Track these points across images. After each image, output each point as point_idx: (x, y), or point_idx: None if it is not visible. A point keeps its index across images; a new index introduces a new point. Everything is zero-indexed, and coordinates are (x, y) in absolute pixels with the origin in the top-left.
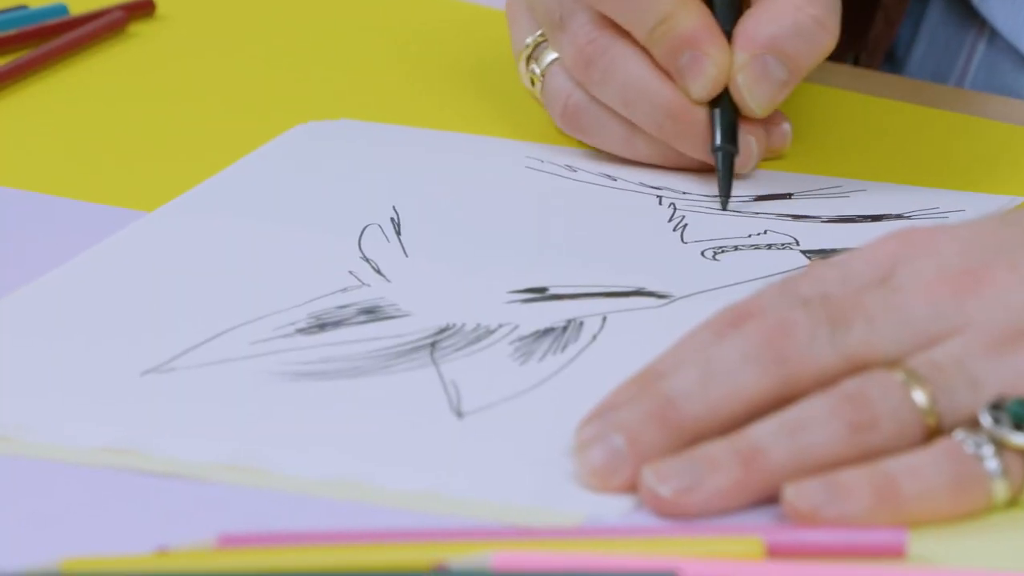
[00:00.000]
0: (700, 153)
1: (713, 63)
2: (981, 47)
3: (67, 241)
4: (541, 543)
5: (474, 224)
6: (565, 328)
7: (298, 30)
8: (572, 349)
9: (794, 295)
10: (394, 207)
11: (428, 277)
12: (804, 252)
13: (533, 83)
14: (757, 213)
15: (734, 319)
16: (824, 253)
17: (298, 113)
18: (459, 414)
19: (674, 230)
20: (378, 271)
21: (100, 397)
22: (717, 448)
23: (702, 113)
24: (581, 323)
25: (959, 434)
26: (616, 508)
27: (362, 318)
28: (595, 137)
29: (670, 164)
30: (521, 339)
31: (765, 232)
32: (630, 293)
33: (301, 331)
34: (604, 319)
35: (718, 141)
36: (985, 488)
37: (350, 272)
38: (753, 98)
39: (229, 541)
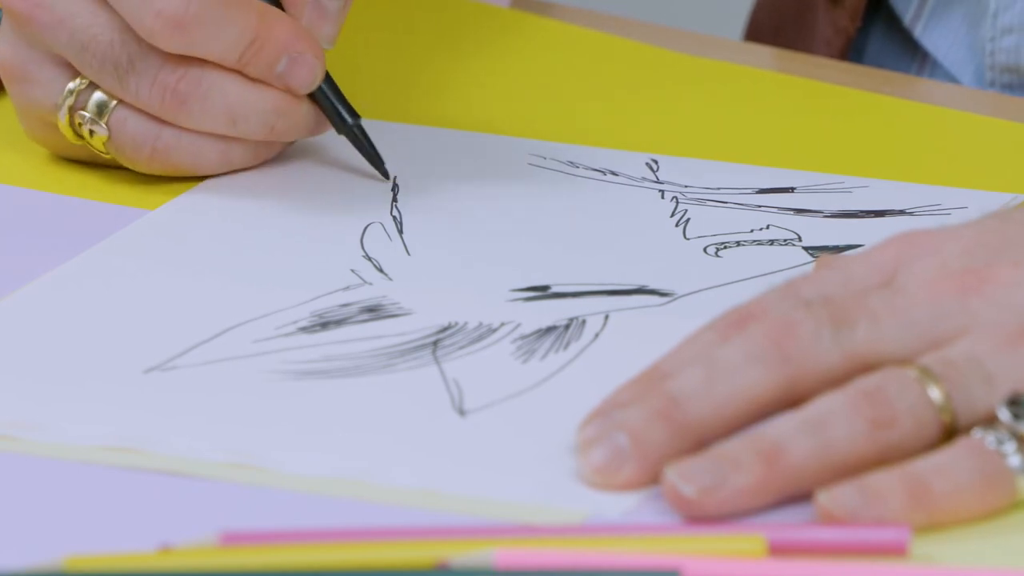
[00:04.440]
0: (308, 134)
1: (312, 55)
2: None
3: (70, 239)
4: (543, 541)
5: (476, 222)
6: (567, 326)
7: None
8: (574, 347)
9: (796, 297)
10: (396, 206)
11: (430, 275)
12: (807, 248)
13: (91, 134)
14: (760, 206)
15: (737, 320)
16: (827, 249)
17: None
18: (461, 412)
19: (676, 225)
20: (380, 269)
21: (102, 395)
22: (738, 447)
23: (305, 100)
24: (583, 321)
25: (978, 432)
26: (618, 506)
27: (364, 316)
28: (188, 168)
29: (260, 159)
30: (523, 337)
31: (768, 227)
32: (632, 291)
33: (303, 329)
34: (606, 317)
35: (346, 119)
36: (1010, 483)
37: (352, 271)
38: (322, 38)
39: (232, 539)
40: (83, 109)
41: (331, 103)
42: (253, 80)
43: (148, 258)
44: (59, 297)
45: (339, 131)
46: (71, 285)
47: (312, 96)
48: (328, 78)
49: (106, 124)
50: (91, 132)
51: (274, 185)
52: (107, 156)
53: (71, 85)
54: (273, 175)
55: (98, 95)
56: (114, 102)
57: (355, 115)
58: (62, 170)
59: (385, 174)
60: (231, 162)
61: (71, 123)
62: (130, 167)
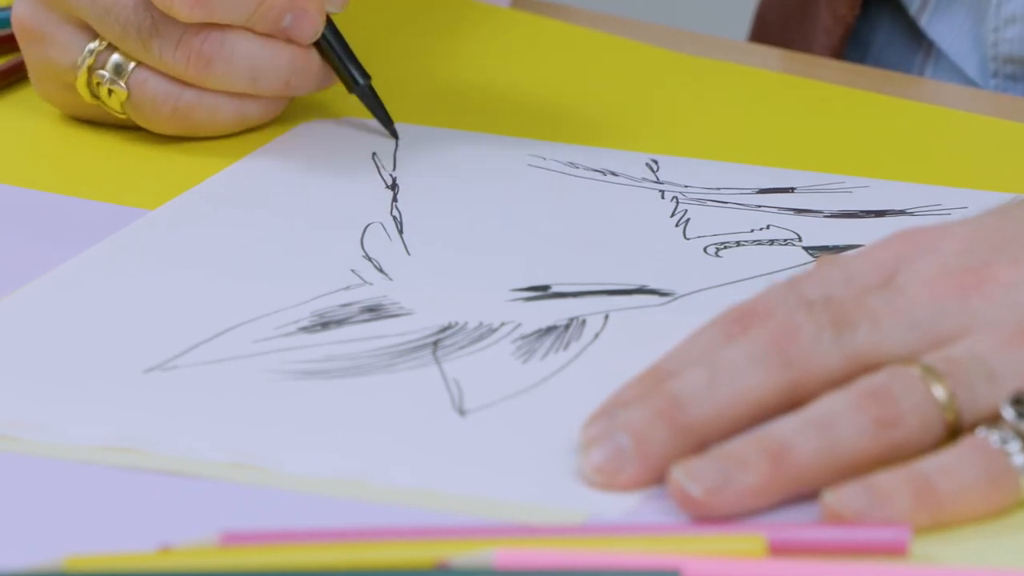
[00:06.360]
0: (317, 86)
1: (314, 10)
2: (928, 70)
3: (70, 239)
4: (543, 541)
5: (476, 222)
6: (567, 326)
7: None
8: (574, 347)
9: (799, 296)
10: (396, 206)
11: (430, 275)
12: (807, 248)
13: (109, 93)
14: (760, 206)
15: (740, 317)
16: (827, 249)
17: (300, 111)
18: (461, 412)
19: (676, 225)
20: (380, 269)
21: (103, 395)
22: (744, 446)
23: (314, 53)
24: (583, 321)
25: (982, 431)
26: (618, 506)
27: (365, 316)
28: (206, 127)
29: (271, 115)
30: (523, 337)
31: (768, 227)
32: (632, 291)
33: (304, 329)
34: (606, 317)
35: (356, 80)
36: (1015, 482)
37: (352, 271)
38: (332, 1)
39: (232, 539)
40: (102, 69)
41: (343, 64)
42: (265, 37)
43: (148, 258)
44: (59, 297)
45: (350, 90)
46: (71, 285)
47: (325, 56)
48: (340, 40)
49: (125, 84)
50: (109, 92)
51: (274, 185)
52: (122, 116)
53: (91, 46)
54: (273, 175)
55: (116, 57)
56: (132, 63)
57: (366, 75)
58: (62, 170)
59: (394, 133)
60: (246, 119)
61: (88, 83)
62: (146, 126)
